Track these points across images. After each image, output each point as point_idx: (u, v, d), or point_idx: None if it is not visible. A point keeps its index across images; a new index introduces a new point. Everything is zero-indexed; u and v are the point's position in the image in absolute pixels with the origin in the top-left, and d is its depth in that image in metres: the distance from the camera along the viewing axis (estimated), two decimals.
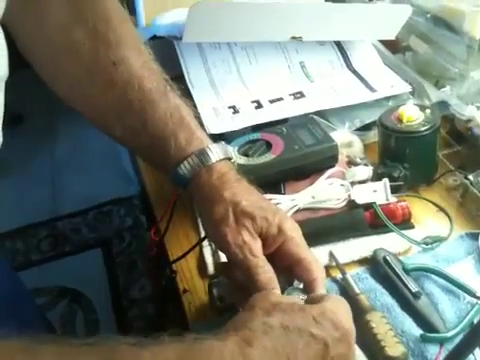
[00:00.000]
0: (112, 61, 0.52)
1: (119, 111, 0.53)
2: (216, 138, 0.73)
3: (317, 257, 0.51)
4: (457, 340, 0.51)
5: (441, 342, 0.51)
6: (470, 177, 0.66)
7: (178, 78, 0.84)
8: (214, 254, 0.63)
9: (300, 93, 0.80)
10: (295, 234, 0.49)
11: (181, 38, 0.73)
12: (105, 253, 1.88)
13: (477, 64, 0.74)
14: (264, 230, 0.48)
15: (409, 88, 0.79)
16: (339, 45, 0.85)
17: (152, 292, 1.63)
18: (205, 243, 0.64)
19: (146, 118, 0.52)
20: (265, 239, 0.48)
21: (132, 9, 0.99)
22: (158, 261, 0.81)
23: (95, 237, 1.95)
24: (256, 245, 0.47)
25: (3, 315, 0.62)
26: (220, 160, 0.51)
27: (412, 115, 0.67)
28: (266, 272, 0.45)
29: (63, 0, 0.53)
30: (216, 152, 0.51)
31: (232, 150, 0.70)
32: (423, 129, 0.66)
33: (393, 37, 0.81)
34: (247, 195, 0.49)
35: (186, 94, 0.81)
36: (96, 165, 2.18)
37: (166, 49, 0.83)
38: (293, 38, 0.75)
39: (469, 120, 0.69)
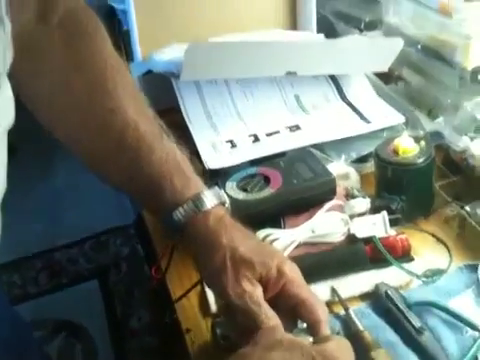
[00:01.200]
0: (109, 108, 0.52)
1: (114, 155, 0.53)
2: (215, 173, 0.75)
3: (319, 293, 0.52)
4: None
5: None
6: (467, 208, 0.67)
7: (172, 110, 0.85)
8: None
9: (296, 126, 0.81)
10: (295, 275, 0.49)
11: (178, 75, 0.74)
12: (102, 283, 1.87)
13: (469, 94, 0.75)
14: (264, 275, 0.48)
15: (403, 119, 0.80)
16: (333, 77, 0.86)
17: (151, 323, 1.62)
18: None
19: (142, 163, 0.52)
20: (266, 284, 0.48)
21: (127, 43, 1.00)
22: (158, 293, 0.80)
23: (92, 267, 1.94)
24: (257, 292, 0.47)
25: (1, 349, 0.61)
26: (215, 205, 0.51)
27: (407, 147, 0.68)
28: (270, 319, 0.45)
29: (61, 46, 0.54)
30: (211, 197, 0.51)
31: (231, 185, 0.71)
32: (419, 161, 0.67)
33: (386, 69, 0.82)
34: (244, 240, 0.50)
35: (183, 128, 0.82)
36: (92, 195, 2.17)
37: (161, 82, 0.84)
38: (288, 73, 0.76)
39: (464, 151, 0.70)
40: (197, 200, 0.51)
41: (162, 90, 0.85)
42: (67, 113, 0.55)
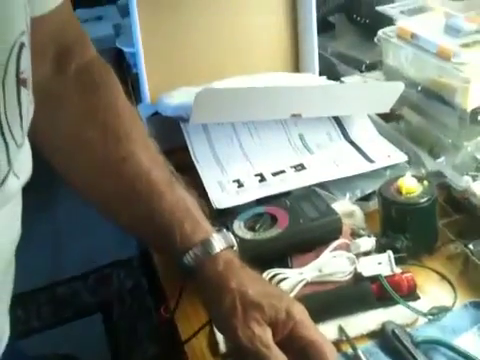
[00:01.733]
0: (122, 156, 0.55)
1: (126, 202, 0.56)
2: (222, 212, 0.76)
3: (326, 332, 0.52)
4: None
5: None
6: (470, 246, 0.68)
7: (179, 150, 0.88)
8: None
9: (301, 165, 0.83)
10: (304, 317, 0.50)
11: (188, 119, 0.76)
12: (106, 317, 1.87)
13: (470, 135, 0.77)
14: (273, 317, 0.49)
15: (405, 158, 0.83)
16: (336, 118, 0.88)
17: (155, 358, 1.61)
18: None
19: (153, 208, 0.54)
20: (275, 326, 0.49)
21: (136, 86, 1.03)
22: (162, 329, 0.81)
23: (95, 301, 1.94)
24: (266, 335, 0.48)
25: None
26: (224, 249, 0.53)
27: (411, 187, 0.70)
28: None
29: (76, 97, 0.57)
30: (220, 241, 0.53)
31: (239, 225, 0.73)
32: (423, 201, 0.69)
33: (387, 111, 0.85)
34: (253, 283, 0.51)
35: (190, 167, 0.85)
36: (95, 228, 2.19)
37: (168, 123, 0.87)
38: (293, 115, 0.79)
39: (465, 190, 0.72)
40: (206, 244, 0.53)
41: (169, 131, 0.88)
42: (81, 162, 0.57)
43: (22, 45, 0.41)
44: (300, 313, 0.50)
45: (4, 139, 0.41)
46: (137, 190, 0.54)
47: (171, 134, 0.88)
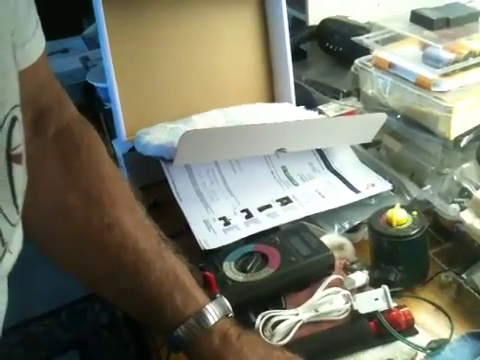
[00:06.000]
0: (106, 224, 0.51)
1: (111, 274, 0.52)
2: (209, 251, 0.74)
3: None
4: None
5: None
6: (463, 275, 0.68)
7: (159, 183, 0.85)
8: None
9: (287, 198, 0.82)
10: None
11: (170, 159, 0.74)
12: (82, 355, 1.80)
13: (452, 162, 0.78)
14: None
15: (390, 186, 0.83)
16: (318, 148, 0.88)
17: None
18: None
19: (141, 280, 0.51)
20: None
21: (110, 121, 1.00)
22: None
23: (70, 338, 1.87)
24: None
25: None
26: (219, 319, 0.50)
27: (401, 218, 0.70)
28: None
29: (56, 163, 0.53)
30: (214, 312, 0.50)
31: (229, 265, 0.70)
32: (414, 232, 0.69)
33: (369, 141, 0.85)
34: (252, 353, 0.49)
35: (170, 202, 0.82)
36: None
37: (147, 159, 0.85)
38: (278, 151, 0.78)
39: (453, 218, 0.72)
40: (200, 317, 0.50)
41: (147, 167, 0.86)
42: (61, 232, 0.53)
43: (14, 119, 0.38)
44: None
45: None
46: (123, 261, 0.51)
47: (149, 170, 0.86)
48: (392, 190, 0.83)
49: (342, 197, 0.81)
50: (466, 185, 0.74)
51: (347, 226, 0.79)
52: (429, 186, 0.77)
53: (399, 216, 0.70)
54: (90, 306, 2.00)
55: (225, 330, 0.50)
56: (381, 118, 0.80)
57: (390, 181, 0.84)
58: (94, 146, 0.55)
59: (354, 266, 0.72)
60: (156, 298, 0.50)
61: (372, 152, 0.93)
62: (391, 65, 0.86)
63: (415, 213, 0.71)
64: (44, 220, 0.53)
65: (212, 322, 0.50)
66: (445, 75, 0.77)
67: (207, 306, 0.51)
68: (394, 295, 0.68)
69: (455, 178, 0.74)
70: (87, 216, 0.51)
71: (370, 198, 0.82)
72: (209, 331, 0.49)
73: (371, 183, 0.84)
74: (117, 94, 0.91)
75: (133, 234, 0.51)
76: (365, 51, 0.92)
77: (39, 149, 0.53)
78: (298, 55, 1.12)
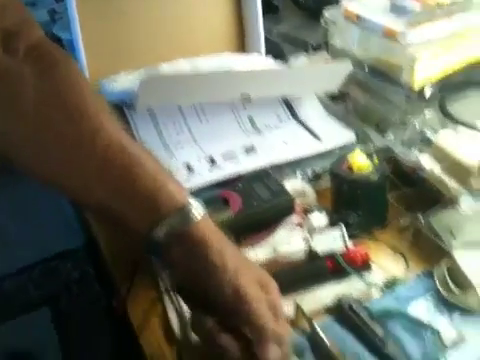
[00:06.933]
0: (92, 129, 0.50)
1: (101, 173, 0.50)
2: None
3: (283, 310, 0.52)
4: None
5: None
6: (420, 218, 0.69)
7: None
8: (181, 319, 0.62)
9: (252, 147, 0.82)
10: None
11: (132, 105, 0.74)
12: (53, 311, 1.81)
13: (416, 111, 0.78)
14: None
15: (353, 137, 0.83)
16: (285, 99, 0.88)
17: (107, 348, 1.57)
18: (170, 307, 0.64)
19: (135, 173, 0.50)
20: None
21: None
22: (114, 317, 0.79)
23: (42, 294, 1.88)
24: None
25: None
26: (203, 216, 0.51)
27: (362, 164, 0.71)
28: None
29: (34, 83, 0.51)
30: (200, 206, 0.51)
31: None
32: (374, 177, 0.70)
33: (335, 90, 0.85)
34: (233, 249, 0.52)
35: None
36: (39, 219, 2.12)
37: (112, 109, 0.84)
38: (242, 98, 0.78)
39: (414, 164, 0.73)
40: (193, 205, 0.50)
41: None
42: (49, 148, 0.51)
43: None
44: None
45: None
46: (111, 157, 0.50)
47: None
48: (357, 141, 0.84)
49: (307, 147, 0.82)
50: (428, 133, 0.74)
51: (310, 174, 0.79)
52: (391, 134, 0.78)
53: (360, 161, 0.71)
54: (63, 263, 2.01)
55: (210, 223, 0.51)
56: (347, 67, 0.80)
57: (356, 132, 0.85)
58: (70, 61, 0.54)
59: (314, 209, 0.73)
60: (150, 189, 0.49)
61: (339, 104, 0.93)
62: (359, 17, 0.86)
63: (376, 159, 0.72)
64: (28, 139, 0.52)
65: (202, 213, 0.50)
66: (411, 26, 0.77)
67: (194, 200, 0.51)
68: (352, 238, 0.69)
69: (417, 126, 0.75)
70: (74, 126, 0.50)
71: (335, 148, 0.83)
72: (200, 221, 0.50)
73: (336, 133, 0.84)
74: (81, 44, 0.90)
75: (117, 136, 0.51)
76: (335, 3, 0.92)
77: (12, 67, 0.51)
78: (270, 9, 1.11)
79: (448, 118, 0.75)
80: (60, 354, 1.62)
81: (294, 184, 0.77)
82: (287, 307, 0.61)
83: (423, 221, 0.69)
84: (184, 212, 0.49)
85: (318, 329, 0.58)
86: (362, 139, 0.84)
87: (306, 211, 0.73)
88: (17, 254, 1.98)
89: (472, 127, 0.72)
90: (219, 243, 0.50)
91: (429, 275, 0.65)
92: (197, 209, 0.50)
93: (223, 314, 0.49)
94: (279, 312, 0.50)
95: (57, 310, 1.78)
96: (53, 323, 1.73)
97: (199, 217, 0.50)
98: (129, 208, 0.50)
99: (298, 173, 0.79)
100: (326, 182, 0.79)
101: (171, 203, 0.49)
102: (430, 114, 0.78)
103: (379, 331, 0.57)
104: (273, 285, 0.51)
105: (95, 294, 1.65)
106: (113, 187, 0.50)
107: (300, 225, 0.70)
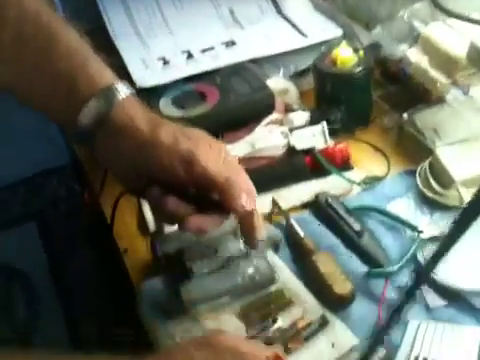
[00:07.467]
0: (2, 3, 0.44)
1: (11, 52, 0.45)
2: (146, 93, 0.70)
3: (261, 205, 0.50)
4: (402, 274, 0.52)
5: (386, 277, 0.52)
6: (404, 116, 0.66)
7: (97, 30, 0.79)
8: (154, 211, 0.60)
9: (232, 41, 0.77)
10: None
11: None
12: (40, 226, 1.81)
13: (404, 4, 0.74)
14: None
15: (340, 32, 0.78)
16: None
17: (94, 260, 1.59)
18: (144, 201, 0.62)
19: (48, 53, 0.45)
20: None
21: None
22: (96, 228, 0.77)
23: (28, 210, 1.87)
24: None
25: None
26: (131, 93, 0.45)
27: (346, 57, 0.67)
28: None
29: None
30: (126, 86, 0.45)
31: (166, 102, 0.67)
32: (357, 71, 0.66)
33: None
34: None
35: (110, 49, 0.77)
36: (23, 136, 2.07)
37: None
38: None
39: (401, 59, 0.69)
40: (114, 87, 0.44)
41: (84, 8, 0.79)
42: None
43: None
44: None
45: None
46: (24, 33, 0.44)
47: (85, 12, 0.79)
48: (343, 37, 0.79)
49: (290, 41, 0.77)
50: (416, 25, 0.70)
51: (292, 70, 0.75)
52: (379, 28, 0.73)
53: (344, 54, 0.67)
54: (48, 181, 1.98)
55: (137, 103, 0.45)
56: None
57: (342, 29, 0.80)
58: None
59: (295, 107, 0.70)
60: (66, 70, 0.44)
61: (329, 3, 0.88)
62: None
63: (361, 53, 0.68)
64: None
65: (128, 92, 0.45)
66: None
67: (118, 81, 0.45)
68: (335, 137, 0.67)
69: (405, 18, 0.70)
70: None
71: (320, 45, 0.78)
72: (124, 101, 0.44)
73: (322, 29, 0.79)
74: None
75: (34, 8, 0.45)
76: None
77: None
78: None
79: (439, 9, 0.70)
80: (47, 266, 1.63)
81: (276, 82, 0.73)
82: (264, 203, 0.59)
83: (407, 118, 0.67)
84: (107, 93, 0.44)
85: (293, 221, 0.56)
86: (349, 37, 0.79)
87: (288, 110, 0.70)
88: (1, 173, 1.94)
89: (463, 18, 0.68)
90: (150, 122, 0.44)
91: (411, 174, 0.63)
92: (122, 90, 0.45)
93: (178, 190, 0.44)
94: (232, 163, 0.46)
95: (44, 224, 1.78)
96: (40, 236, 1.73)
97: (124, 96, 0.44)
98: (51, 94, 0.46)
99: (281, 70, 0.75)
100: (310, 81, 0.75)
101: (92, 85, 0.44)
102: (420, 6, 0.73)
103: (355, 225, 0.55)
104: (217, 142, 0.47)
105: (82, 213, 1.64)
106: (25, 70, 0.45)
107: (280, 123, 0.67)
